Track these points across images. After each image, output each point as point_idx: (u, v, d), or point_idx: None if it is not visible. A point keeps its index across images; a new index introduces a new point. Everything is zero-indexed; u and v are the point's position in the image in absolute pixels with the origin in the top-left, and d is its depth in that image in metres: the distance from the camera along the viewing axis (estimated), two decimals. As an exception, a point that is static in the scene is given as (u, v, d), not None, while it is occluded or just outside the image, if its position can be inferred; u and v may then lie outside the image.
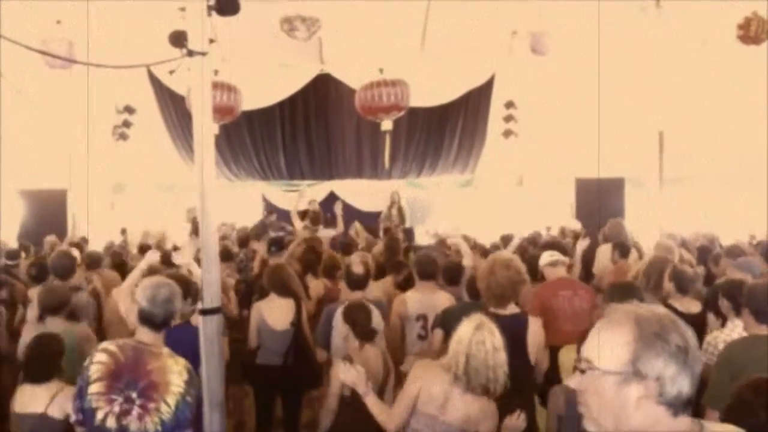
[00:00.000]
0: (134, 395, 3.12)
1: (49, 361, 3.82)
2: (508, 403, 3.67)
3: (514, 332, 3.97)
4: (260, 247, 7.76)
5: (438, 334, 4.88)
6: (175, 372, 3.18)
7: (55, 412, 3.65)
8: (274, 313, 5.35)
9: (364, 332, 4.32)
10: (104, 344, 3.34)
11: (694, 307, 4.89)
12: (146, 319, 3.31)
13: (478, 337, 3.38)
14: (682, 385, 1.57)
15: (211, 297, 3.43)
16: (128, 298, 4.41)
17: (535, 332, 4.22)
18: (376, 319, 4.67)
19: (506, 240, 8.55)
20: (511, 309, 4.24)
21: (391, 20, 10.57)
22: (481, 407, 3.47)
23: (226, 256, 7.25)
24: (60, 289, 4.88)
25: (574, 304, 5.40)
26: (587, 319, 5.36)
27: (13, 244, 10.25)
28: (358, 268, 5.34)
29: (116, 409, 3.12)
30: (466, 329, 3.43)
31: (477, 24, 10.98)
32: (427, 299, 5.41)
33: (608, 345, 1.61)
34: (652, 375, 1.55)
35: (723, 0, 9.24)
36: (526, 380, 4.16)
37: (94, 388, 3.15)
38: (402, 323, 5.34)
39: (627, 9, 9.62)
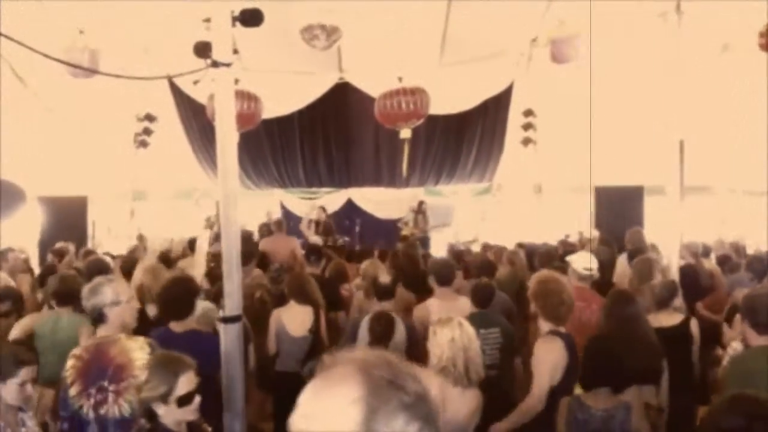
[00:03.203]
0: (105, 383, 3.33)
1: None
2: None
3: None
4: None
5: None
6: (135, 349, 3.40)
7: None
8: (293, 319, 5.38)
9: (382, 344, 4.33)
10: (72, 351, 3.54)
11: (672, 319, 4.95)
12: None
13: (467, 332, 3.51)
14: None
15: (231, 305, 3.44)
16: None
17: None
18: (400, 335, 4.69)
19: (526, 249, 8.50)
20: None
21: (411, 28, 10.55)
22: (478, 403, 3.60)
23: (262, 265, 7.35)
24: (70, 279, 4.99)
25: (583, 316, 5.37)
26: (591, 332, 5.37)
27: (33, 250, 10.34)
28: (385, 278, 5.34)
29: (92, 401, 3.33)
30: (451, 330, 3.53)
31: (496, 31, 10.95)
32: (448, 306, 5.35)
33: (332, 407, 1.24)
34: None
35: (745, 4, 9.14)
36: None
37: (72, 391, 3.37)
38: (425, 332, 5.33)
39: (647, 16, 9.54)
